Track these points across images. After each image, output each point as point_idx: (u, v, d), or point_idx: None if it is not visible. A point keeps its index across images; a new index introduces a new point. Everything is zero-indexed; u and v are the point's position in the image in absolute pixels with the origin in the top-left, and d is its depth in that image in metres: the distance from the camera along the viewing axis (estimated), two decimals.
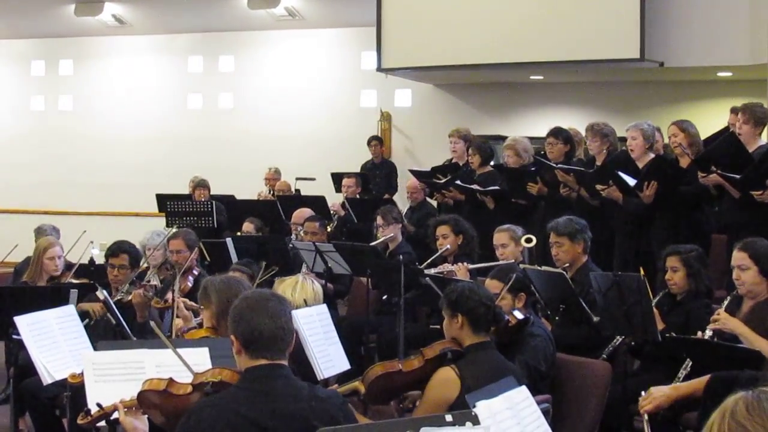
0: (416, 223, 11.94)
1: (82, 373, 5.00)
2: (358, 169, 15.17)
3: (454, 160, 12.52)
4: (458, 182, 11.10)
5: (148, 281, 8.07)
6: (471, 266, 8.55)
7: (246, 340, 4.22)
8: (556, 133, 10.51)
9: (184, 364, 4.57)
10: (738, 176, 8.20)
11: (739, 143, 8.49)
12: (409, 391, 5.83)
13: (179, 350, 4.64)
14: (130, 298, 7.67)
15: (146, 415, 4.46)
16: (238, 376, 4.30)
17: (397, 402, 5.86)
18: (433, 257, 9.10)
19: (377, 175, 15.51)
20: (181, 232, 9.26)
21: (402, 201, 13.67)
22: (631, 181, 9.00)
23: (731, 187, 8.38)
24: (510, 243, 8.62)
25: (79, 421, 4.59)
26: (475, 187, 10.83)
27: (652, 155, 9.36)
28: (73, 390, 6.01)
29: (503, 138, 12.00)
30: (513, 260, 8.30)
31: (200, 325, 6.53)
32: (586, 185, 9.56)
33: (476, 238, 9.28)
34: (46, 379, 6.19)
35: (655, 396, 5.26)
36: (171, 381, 4.36)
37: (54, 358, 6.24)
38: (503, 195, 10.59)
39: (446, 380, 5.37)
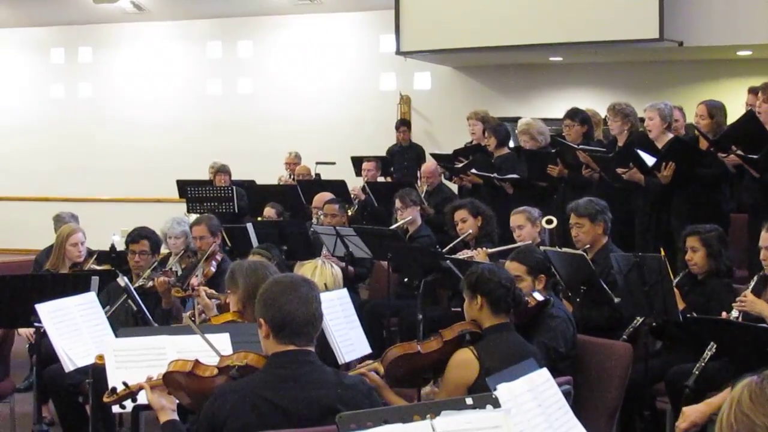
0: (433, 207, 11.92)
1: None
2: (380, 153, 15.15)
3: (474, 142, 12.51)
4: (474, 171, 11.07)
5: (170, 268, 8.09)
6: (490, 250, 8.53)
7: (276, 324, 4.20)
8: (573, 114, 10.48)
9: (212, 348, 4.58)
10: (757, 156, 8.17)
11: (758, 123, 8.46)
12: (429, 372, 5.84)
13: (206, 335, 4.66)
14: (151, 284, 7.70)
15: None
16: (264, 360, 4.30)
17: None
18: (455, 242, 9.08)
19: (405, 159, 15.52)
20: (203, 218, 9.28)
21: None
22: (649, 160, 8.97)
23: (750, 167, 8.35)
24: (526, 224, 8.58)
25: (105, 399, 4.58)
26: (493, 175, 10.80)
27: (670, 135, 9.34)
28: (95, 376, 6.04)
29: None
30: (530, 241, 8.28)
31: (219, 308, 6.57)
32: (606, 170, 9.53)
33: (495, 218, 9.26)
34: (68, 366, 6.21)
35: (689, 414, 5.25)
36: (197, 363, 4.36)
37: (75, 345, 6.25)
38: (521, 183, 10.57)
39: (464, 361, 5.37)
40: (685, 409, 5.33)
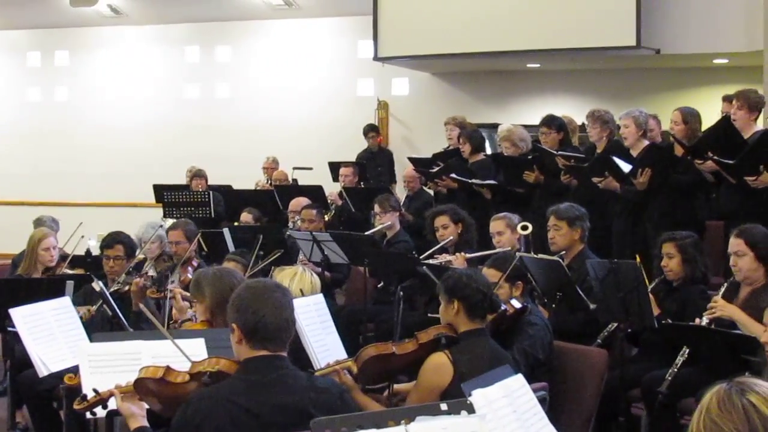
0: (414, 212, 11.92)
1: (78, 374, 4.98)
2: (354, 159, 15.14)
3: (451, 147, 12.50)
4: (454, 175, 11.05)
5: (146, 273, 8.06)
6: (468, 255, 8.53)
7: (249, 330, 4.19)
8: (549, 122, 10.49)
9: (182, 353, 4.56)
10: (732, 162, 8.20)
11: (733, 128, 8.49)
12: (402, 374, 5.84)
13: (176, 341, 4.63)
14: (126, 288, 7.66)
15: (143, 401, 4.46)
16: (236, 366, 4.29)
17: (387, 397, 5.87)
18: (435, 248, 9.05)
19: (377, 164, 15.51)
20: (180, 223, 9.25)
21: (402, 190, 13.67)
22: (626, 167, 8.99)
23: (727, 174, 8.39)
24: (506, 231, 8.59)
25: (75, 406, 4.57)
26: (473, 180, 10.79)
27: (646, 142, 9.36)
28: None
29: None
30: (509, 248, 8.28)
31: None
32: (582, 179, 9.54)
33: (474, 225, 9.26)
34: (42, 372, 6.17)
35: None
36: (168, 369, 4.35)
37: (50, 350, 6.22)
38: (500, 189, 10.57)
39: (439, 365, 5.37)
40: None
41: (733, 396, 2.80)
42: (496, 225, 8.70)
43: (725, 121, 8.71)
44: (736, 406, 2.78)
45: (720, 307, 6.31)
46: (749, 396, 2.80)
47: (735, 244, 6.49)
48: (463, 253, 8.57)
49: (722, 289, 6.56)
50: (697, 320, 6.37)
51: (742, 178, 8.21)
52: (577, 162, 9.68)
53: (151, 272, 8.28)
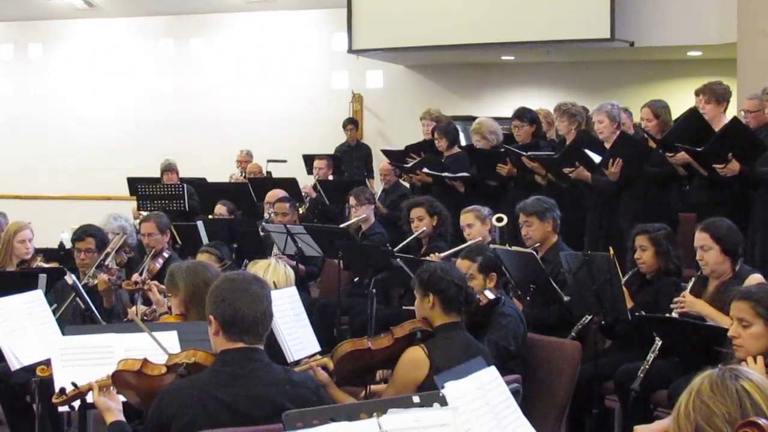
0: (390, 204, 11.92)
1: (50, 366, 4.95)
2: (331, 151, 15.14)
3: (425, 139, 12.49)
4: (426, 170, 11.04)
5: (110, 265, 8.02)
6: (442, 254, 8.49)
7: (226, 321, 4.20)
8: (521, 115, 10.49)
9: (160, 347, 4.56)
10: (701, 149, 8.21)
11: (702, 120, 8.51)
12: (378, 369, 5.83)
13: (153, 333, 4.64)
14: (95, 282, 7.63)
15: (120, 395, 4.45)
16: (213, 358, 4.29)
17: (363, 397, 5.86)
18: (408, 239, 9.06)
19: (354, 158, 15.54)
20: (152, 216, 9.21)
21: (379, 183, 13.68)
22: (596, 158, 8.99)
23: (698, 164, 8.40)
24: (476, 223, 8.57)
25: (54, 400, 4.55)
26: (445, 174, 10.79)
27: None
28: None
29: (475, 119, 11.96)
30: (481, 239, 8.27)
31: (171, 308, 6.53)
32: (553, 171, 9.54)
33: (450, 219, 9.25)
34: (14, 365, 6.14)
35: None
36: (145, 361, 4.36)
37: (22, 343, 6.18)
38: (473, 181, 10.58)
39: (415, 360, 5.36)
40: (636, 428, 5.31)
41: (727, 380, 2.82)
42: (466, 218, 8.68)
43: (693, 112, 8.72)
44: (730, 390, 2.80)
45: (688, 303, 6.36)
46: (742, 382, 2.83)
47: (700, 238, 6.53)
48: (437, 255, 8.53)
49: (690, 284, 6.60)
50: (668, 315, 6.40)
51: (711, 168, 8.22)
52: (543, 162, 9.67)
53: (111, 265, 8.23)
